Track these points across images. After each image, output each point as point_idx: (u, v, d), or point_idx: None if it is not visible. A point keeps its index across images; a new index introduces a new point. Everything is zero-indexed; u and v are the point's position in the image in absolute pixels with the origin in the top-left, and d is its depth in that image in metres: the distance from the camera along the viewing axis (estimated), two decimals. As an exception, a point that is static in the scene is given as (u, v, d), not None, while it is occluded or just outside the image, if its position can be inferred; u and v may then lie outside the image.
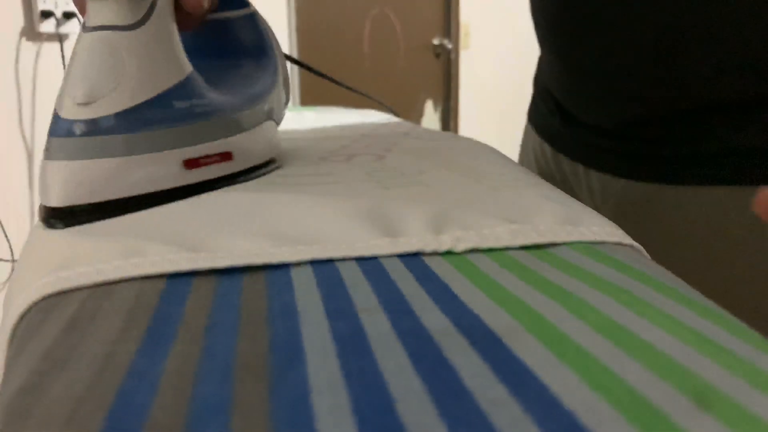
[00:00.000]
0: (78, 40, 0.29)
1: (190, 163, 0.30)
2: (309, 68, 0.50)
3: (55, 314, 0.19)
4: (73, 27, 1.56)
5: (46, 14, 1.52)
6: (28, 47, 1.51)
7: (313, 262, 0.23)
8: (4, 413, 0.14)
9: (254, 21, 0.41)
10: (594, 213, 0.29)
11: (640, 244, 0.27)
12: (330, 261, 0.23)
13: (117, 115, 0.27)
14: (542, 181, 0.36)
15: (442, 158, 0.42)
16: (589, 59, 0.49)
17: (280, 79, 0.42)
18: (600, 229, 0.27)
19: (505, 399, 0.14)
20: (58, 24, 1.53)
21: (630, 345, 0.17)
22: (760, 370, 0.15)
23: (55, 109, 0.28)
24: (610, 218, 0.53)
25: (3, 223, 1.49)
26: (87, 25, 0.28)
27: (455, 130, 2.69)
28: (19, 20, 1.50)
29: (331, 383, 0.15)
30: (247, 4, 0.41)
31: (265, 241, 0.23)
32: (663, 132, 0.47)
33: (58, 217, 0.27)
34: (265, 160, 0.38)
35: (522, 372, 0.15)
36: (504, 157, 0.45)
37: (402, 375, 0.15)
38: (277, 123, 0.42)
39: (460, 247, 0.24)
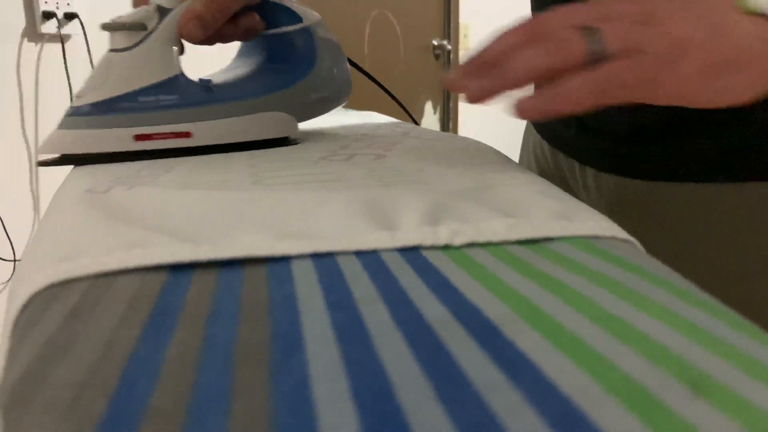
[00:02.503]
0: None
1: (141, 137, 0.44)
2: (359, 69, 0.62)
3: (57, 304, 0.19)
4: (74, 28, 1.56)
5: (48, 15, 1.52)
6: (30, 48, 1.52)
7: (313, 256, 0.23)
8: (6, 400, 0.14)
9: (307, 33, 0.53)
10: (589, 208, 0.29)
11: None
12: (330, 254, 0.23)
13: (91, 104, 0.43)
14: (539, 179, 0.37)
15: (440, 157, 0.43)
16: None
17: (310, 81, 0.53)
18: (595, 224, 0.27)
19: (502, 384, 0.14)
20: (60, 25, 1.53)
21: (625, 335, 0.17)
22: (753, 359, 0.16)
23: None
24: (604, 215, 0.54)
25: (5, 223, 1.50)
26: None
27: (455, 130, 2.69)
28: (20, 21, 1.50)
29: (331, 370, 0.15)
30: (300, 20, 0.53)
31: (266, 235, 0.24)
32: (658, 132, 0.48)
33: (45, 162, 0.44)
34: (254, 139, 0.49)
35: (519, 359, 0.15)
36: (502, 156, 0.46)
37: (400, 362, 0.15)
38: (296, 115, 0.52)
39: (458, 240, 0.24)
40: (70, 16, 1.55)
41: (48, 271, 0.21)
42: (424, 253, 0.24)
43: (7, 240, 1.51)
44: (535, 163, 0.65)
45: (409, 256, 0.23)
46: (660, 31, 0.31)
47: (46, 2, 1.51)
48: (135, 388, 0.14)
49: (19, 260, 1.52)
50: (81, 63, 1.59)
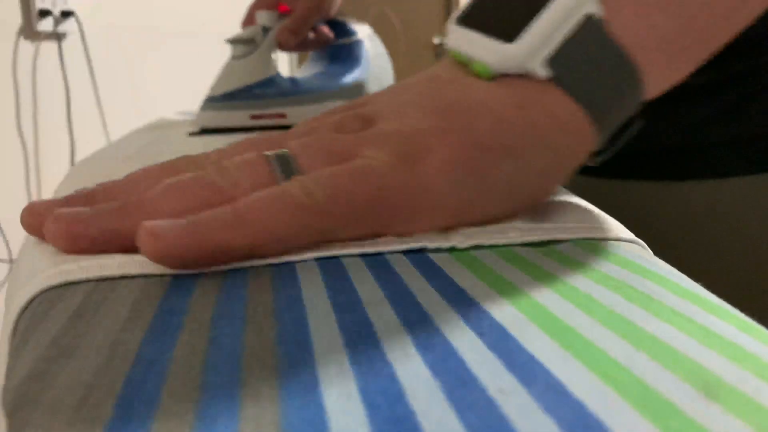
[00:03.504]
0: None
1: (255, 116, 0.62)
2: None
3: (60, 305, 0.19)
4: (70, 26, 1.55)
5: (44, 13, 1.51)
6: (26, 46, 1.51)
7: (318, 258, 0.23)
8: (12, 400, 0.14)
9: (359, 44, 0.72)
10: (597, 210, 0.29)
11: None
12: (335, 257, 0.23)
13: (220, 94, 0.62)
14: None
15: None
16: None
17: (361, 80, 0.71)
18: (603, 226, 0.27)
19: (513, 387, 0.14)
20: (56, 23, 1.53)
21: (636, 338, 0.17)
22: (764, 362, 0.16)
23: None
24: None
25: (1, 223, 1.49)
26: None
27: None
28: (16, 19, 1.49)
29: (340, 372, 0.15)
30: (354, 34, 0.72)
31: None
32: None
33: (193, 133, 0.61)
34: None
35: (529, 362, 0.15)
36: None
37: (410, 364, 0.15)
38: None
39: (465, 243, 0.24)
40: (66, 14, 1.54)
41: (47, 274, 0.21)
42: (430, 255, 0.23)
43: (3, 240, 1.50)
44: None
45: (414, 258, 0.23)
46: (379, 129, 0.24)
47: (42, 0, 1.50)
48: (142, 389, 0.14)
49: (18, 256, 1.51)
50: (78, 61, 1.58)
